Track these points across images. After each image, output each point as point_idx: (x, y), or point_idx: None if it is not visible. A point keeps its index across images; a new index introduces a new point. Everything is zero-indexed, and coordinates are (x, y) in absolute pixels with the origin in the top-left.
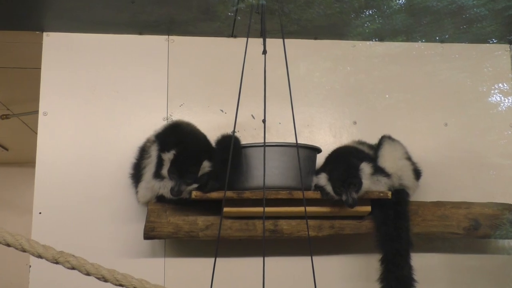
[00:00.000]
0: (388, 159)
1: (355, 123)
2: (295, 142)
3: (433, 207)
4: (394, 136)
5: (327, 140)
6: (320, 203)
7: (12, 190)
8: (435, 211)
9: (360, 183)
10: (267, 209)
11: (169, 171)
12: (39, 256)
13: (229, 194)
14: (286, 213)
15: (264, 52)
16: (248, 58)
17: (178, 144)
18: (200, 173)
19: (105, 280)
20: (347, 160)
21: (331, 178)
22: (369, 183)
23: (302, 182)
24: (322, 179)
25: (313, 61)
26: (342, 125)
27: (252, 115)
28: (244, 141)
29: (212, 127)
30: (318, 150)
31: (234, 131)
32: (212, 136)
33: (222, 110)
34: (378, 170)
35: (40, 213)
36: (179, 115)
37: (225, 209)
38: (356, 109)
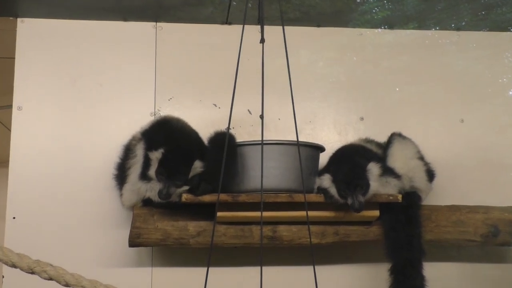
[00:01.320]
0: (398, 158)
1: (362, 119)
2: (296, 140)
3: (448, 212)
4: (405, 133)
5: (331, 137)
6: (324, 207)
7: None
8: (449, 216)
9: (367, 185)
10: (265, 213)
11: (157, 171)
12: (13, 266)
13: (223, 197)
14: (286, 218)
15: (262, 41)
16: (244, 48)
17: (166, 142)
18: (191, 174)
19: None
20: (353, 160)
21: (336, 179)
22: (377, 185)
23: (303, 184)
24: (326, 181)
25: (315, 50)
26: (347, 121)
27: (248, 110)
28: (239, 138)
29: (204, 124)
30: (321, 148)
31: (228, 128)
32: (205, 133)
33: (215, 105)
34: (387, 171)
35: (14, 218)
36: (168, 110)
37: (219, 214)
38: (363, 103)
